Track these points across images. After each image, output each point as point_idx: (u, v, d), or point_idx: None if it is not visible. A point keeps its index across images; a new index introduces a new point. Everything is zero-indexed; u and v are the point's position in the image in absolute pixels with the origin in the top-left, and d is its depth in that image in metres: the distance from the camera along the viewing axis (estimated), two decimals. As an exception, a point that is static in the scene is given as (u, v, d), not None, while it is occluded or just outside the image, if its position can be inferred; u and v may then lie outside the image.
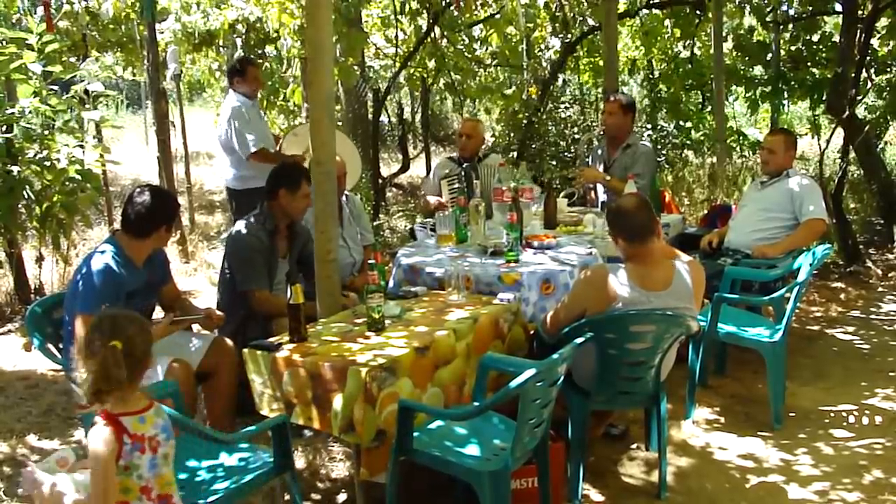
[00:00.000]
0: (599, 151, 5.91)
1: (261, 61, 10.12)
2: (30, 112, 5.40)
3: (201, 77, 13.66)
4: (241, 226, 4.22)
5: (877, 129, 9.10)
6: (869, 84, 8.86)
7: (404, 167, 11.00)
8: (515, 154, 9.48)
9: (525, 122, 10.17)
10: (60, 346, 3.64)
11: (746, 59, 10.50)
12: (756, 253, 4.79)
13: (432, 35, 9.07)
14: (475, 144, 5.81)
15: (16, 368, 5.15)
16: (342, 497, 3.54)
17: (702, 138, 11.28)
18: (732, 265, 4.69)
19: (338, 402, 2.93)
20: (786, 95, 10.59)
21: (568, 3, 10.73)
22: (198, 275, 7.36)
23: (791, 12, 10.16)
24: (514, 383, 2.68)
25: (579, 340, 3.04)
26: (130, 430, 2.22)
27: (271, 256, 4.17)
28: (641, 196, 3.73)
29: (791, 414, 4.24)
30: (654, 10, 10.61)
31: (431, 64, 10.08)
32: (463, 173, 5.62)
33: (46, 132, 5.48)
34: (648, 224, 3.34)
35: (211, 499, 2.62)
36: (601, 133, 6.12)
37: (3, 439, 4.12)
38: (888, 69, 9.23)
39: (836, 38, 8.50)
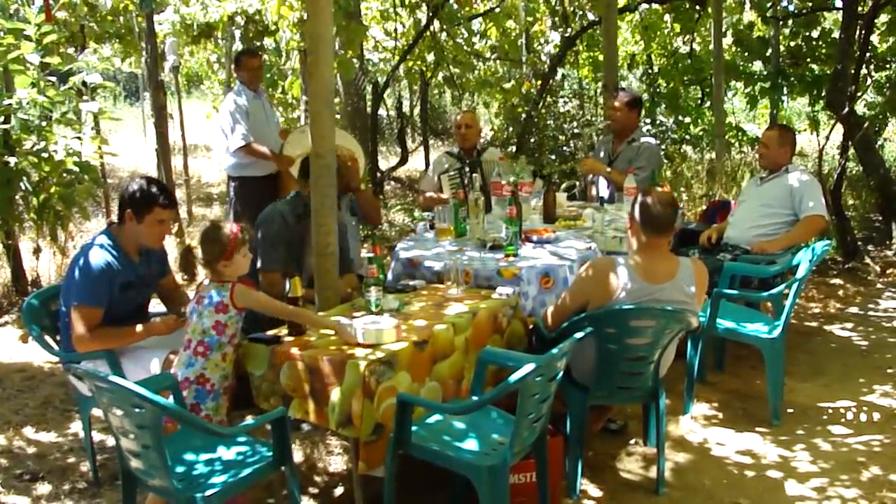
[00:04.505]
0: (601, 152, 5.91)
1: (259, 54, 10.08)
2: (27, 103, 5.37)
3: (199, 69, 13.63)
4: (273, 205, 4.19)
5: (876, 126, 9.11)
6: (868, 80, 8.87)
7: (403, 160, 11.00)
8: (514, 148, 9.46)
9: (524, 116, 10.16)
10: (58, 337, 3.62)
11: (746, 54, 10.51)
12: (755, 249, 4.78)
13: (431, 28, 9.06)
14: (475, 134, 5.81)
15: (13, 360, 5.14)
16: (340, 490, 3.54)
17: (700, 134, 11.27)
18: (731, 261, 4.68)
19: (335, 395, 2.92)
20: (785, 91, 10.60)
21: (568, -2, 10.72)
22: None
23: (791, 8, 10.17)
24: (513, 378, 2.67)
25: (579, 335, 3.03)
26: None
27: (296, 241, 4.11)
28: (672, 195, 3.73)
29: (789, 410, 4.24)
30: (654, 5, 10.60)
31: (430, 57, 10.06)
32: (466, 169, 5.60)
33: (44, 123, 5.46)
34: (672, 221, 3.40)
35: (209, 492, 2.61)
36: (602, 129, 6.13)
37: (0, 431, 4.11)
38: (888, 66, 9.24)
39: (836, 35, 8.49)
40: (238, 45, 10.13)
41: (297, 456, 3.71)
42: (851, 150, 7.83)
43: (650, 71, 12.28)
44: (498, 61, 12.22)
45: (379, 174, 9.94)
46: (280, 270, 4.00)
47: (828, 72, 8.88)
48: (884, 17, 8.31)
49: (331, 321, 3.24)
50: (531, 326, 3.76)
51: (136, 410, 2.54)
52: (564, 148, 9.64)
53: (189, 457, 2.85)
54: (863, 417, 4.19)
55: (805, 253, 4.40)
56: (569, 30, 10.82)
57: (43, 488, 3.58)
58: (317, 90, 3.57)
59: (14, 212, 5.63)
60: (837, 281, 6.59)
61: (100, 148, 5.85)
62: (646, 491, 3.50)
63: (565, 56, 11.02)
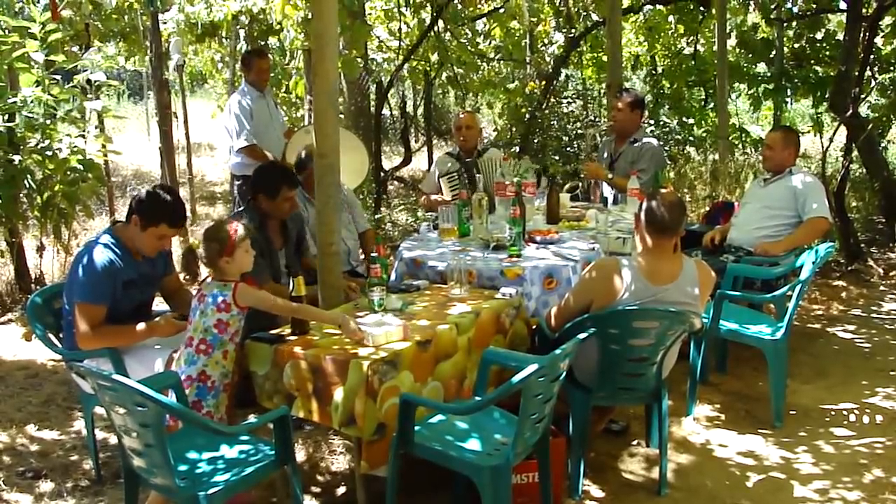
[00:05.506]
0: (605, 154, 5.91)
1: (268, 55, 10.09)
2: (32, 101, 5.38)
3: (203, 68, 13.63)
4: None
5: (879, 128, 9.08)
6: (872, 82, 8.85)
7: (406, 160, 10.99)
8: (518, 149, 9.46)
9: (528, 116, 10.16)
10: (61, 335, 3.63)
11: (750, 56, 10.49)
12: (758, 250, 4.78)
13: (436, 28, 9.05)
14: (474, 135, 5.79)
15: (16, 358, 5.15)
16: (342, 490, 3.54)
17: (704, 135, 11.25)
18: (735, 262, 4.68)
19: (339, 395, 2.92)
20: (789, 93, 10.58)
21: (572, -2, 10.72)
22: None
23: (795, 10, 10.16)
24: (517, 378, 2.67)
25: (582, 336, 3.03)
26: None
27: (266, 249, 4.14)
28: (679, 198, 3.73)
29: (791, 412, 4.24)
30: (658, 6, 10.59)
31: (434, 57, 10.06)
32: (464, 169, 5.60)
33: (48, 121, 5.47)
34: (678, 223, 3.38)
35: (211, 490, 2.61)
36: (605, 130, 6.13)
37: (3, 429, 4.12)
38: (892, 68, 9.21)
39: (840, 36, 8.48)
40: (242, 45, 10.14)
41: (300, 455, 3.72)
42: (855, 153, 7.82)
43: (654, 72, 12.27)
44: (502, 62, 12.22)
45: (382, 174, 9.93)
46: (269, 280, 4.03)
47: (832, 74, 8.87)
48: (888, 20, 8.31)
49: (333, 315, 3.25)
50: (534, 327, 3.77)
51: (139, 409, 2.54)
52: (568, 149, 9.64)
53: (192, 455, 2.86)
54: (865, 420, 4.18)
55: (808, 255, 4.39)
56: (573, 30, 10.82)
57: (45, 486, 3.58)
58: (321, 88, 3.57)
59: (18, 210, 5.64)
60: (840, 283, 6.57)
61: (104, 146, 5.86)
62: (648, 492, 3.50)
63: (569, 57, 11.02)
